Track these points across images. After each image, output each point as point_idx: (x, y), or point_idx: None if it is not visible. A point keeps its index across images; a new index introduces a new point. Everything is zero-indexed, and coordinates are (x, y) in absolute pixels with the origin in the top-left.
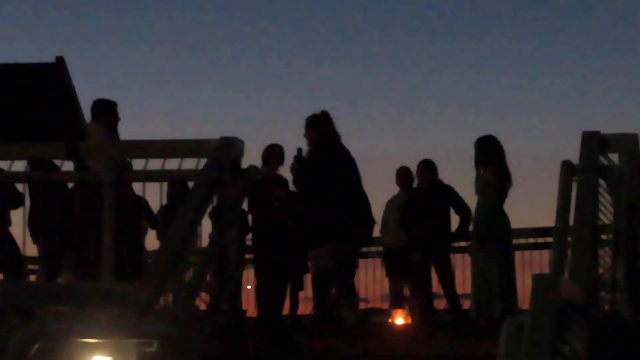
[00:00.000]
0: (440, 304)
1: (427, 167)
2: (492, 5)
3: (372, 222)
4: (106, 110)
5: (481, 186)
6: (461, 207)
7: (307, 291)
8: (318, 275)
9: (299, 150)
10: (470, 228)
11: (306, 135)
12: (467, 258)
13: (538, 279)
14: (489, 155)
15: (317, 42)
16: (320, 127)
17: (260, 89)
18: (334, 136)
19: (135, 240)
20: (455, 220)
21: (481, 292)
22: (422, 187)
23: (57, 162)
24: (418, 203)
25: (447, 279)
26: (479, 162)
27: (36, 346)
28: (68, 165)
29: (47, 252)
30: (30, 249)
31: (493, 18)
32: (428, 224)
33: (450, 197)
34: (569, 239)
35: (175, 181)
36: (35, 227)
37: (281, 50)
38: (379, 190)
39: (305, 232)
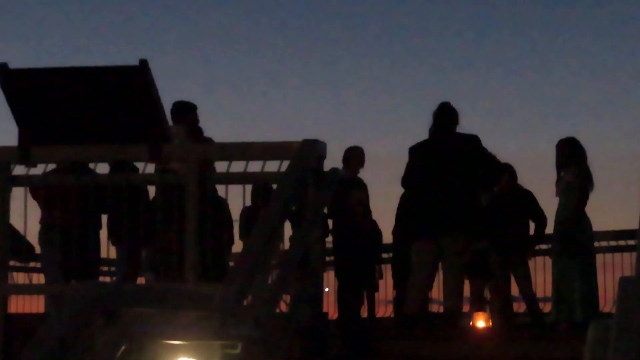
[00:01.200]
0: (520, 307)
1: (506, 171)
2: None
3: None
4: (186, 113)
5: (563, 188)
6: (537, 215)
7: (387, 294)
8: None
9: None
10: (550, 231)
11: None
12: (548, 261)
13: (624, 282)
14: (571, 157)
15: (405, 41)
16: (433, 121)
17: (343, 90)
18: (437, 130)
19: (218, 241)
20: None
21: (562, 295)
22: (502, 191)
23: (139, 164)
24: (497, 207)
25: (525, 282)
26: (561, 164)
27: (122, 347)
28: (149, 168)
29: (128, 254)
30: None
31: (577, 18)
32: (507, 228)
33: (529, 202)
34: None
35: (258, 183)
36: (114, 229)
37: (365, 50)
38: None
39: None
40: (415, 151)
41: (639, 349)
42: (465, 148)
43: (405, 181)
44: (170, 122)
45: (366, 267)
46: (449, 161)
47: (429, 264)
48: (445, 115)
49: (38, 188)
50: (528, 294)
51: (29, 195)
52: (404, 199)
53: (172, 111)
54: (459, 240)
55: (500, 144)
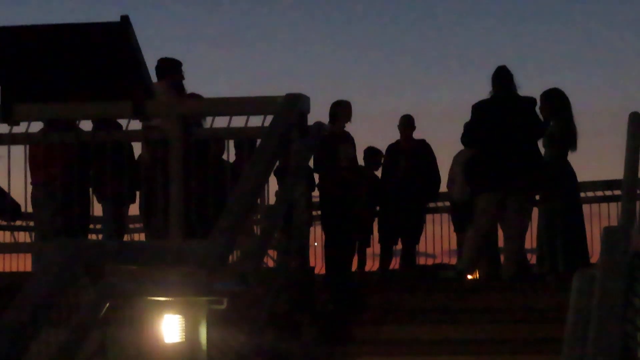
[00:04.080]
0: None
1: None
2: None
3: (521, 171)
4: (171, 69)
5: (546, 139)
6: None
7: (374, 248)
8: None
9: None
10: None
11: None
12: (534, 212)
13: (608, 232)
14: (555, 108)
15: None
16: (492, 83)
17: (328, 46)
18: (499, 90)
19: (204, 197)
20: None
21: (547, 246)
22: None
23: (123, 121)
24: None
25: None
26: (546, 115)
27: (107, 305)
28: (133, 125)
29: (113, 212)
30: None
31: None
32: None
33: None
34: (638, 191)
35: (242, 138)
36: (100, 186)
37: (350, 5)
38: (447, 145)
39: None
40: (479, 108)
41: (623, 300)
42: (526, 108)
43: (468, 137)
44: (155, 79)
45: (359, 221)
46: (513, 118)
47: (493, 218)
48: (504, 76)
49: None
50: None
51: (14, 154)
52: (390, 152)
53: (157, 68)
54: (526, 195)
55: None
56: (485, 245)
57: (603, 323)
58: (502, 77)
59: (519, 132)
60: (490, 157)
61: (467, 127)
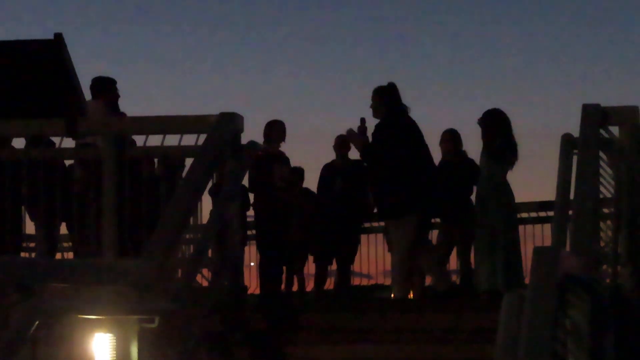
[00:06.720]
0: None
1: (450, 137)
2: None
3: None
4: (105, 88)
5: (487, 159)
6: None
7: (309, 268)
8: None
9: (362, 120)
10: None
11: (372, 106)
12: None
13: (539, 252)
14: (494, 128)
15: (321, 15)
16: (386, 99)
17: (261, 65)
18: (401, 109)
19: (137, 216)
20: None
21: (484, 265)
22: (445, 159)
23: (56, 139)
24: (444, 173)
25: (466, 250)
26: (485, 135)
27: (37, 323)
28: (66, 143)
29: (45, 230)
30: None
31: None
32: (453, 194)
33: (473, 170)
34: (570, 212)
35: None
36: (33, 204)
37: (282, 25)
38: None
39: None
40: (384, 128)
41: (551, 318)
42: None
43: (370, 156)
44: (90, 98)
45: (292, 241)
46: (419, 140)
47: (413, 240)
48: (398, 94)
49: None
50: (466, 263)
51: None
52: (326, 171)
53: (91, 87)
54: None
55: (428, 115)
56: (412, 267)
57: (531, 344)
58: (397, 95)
59: (425, 155)
60: (404, 180)
61: (372, 147)
